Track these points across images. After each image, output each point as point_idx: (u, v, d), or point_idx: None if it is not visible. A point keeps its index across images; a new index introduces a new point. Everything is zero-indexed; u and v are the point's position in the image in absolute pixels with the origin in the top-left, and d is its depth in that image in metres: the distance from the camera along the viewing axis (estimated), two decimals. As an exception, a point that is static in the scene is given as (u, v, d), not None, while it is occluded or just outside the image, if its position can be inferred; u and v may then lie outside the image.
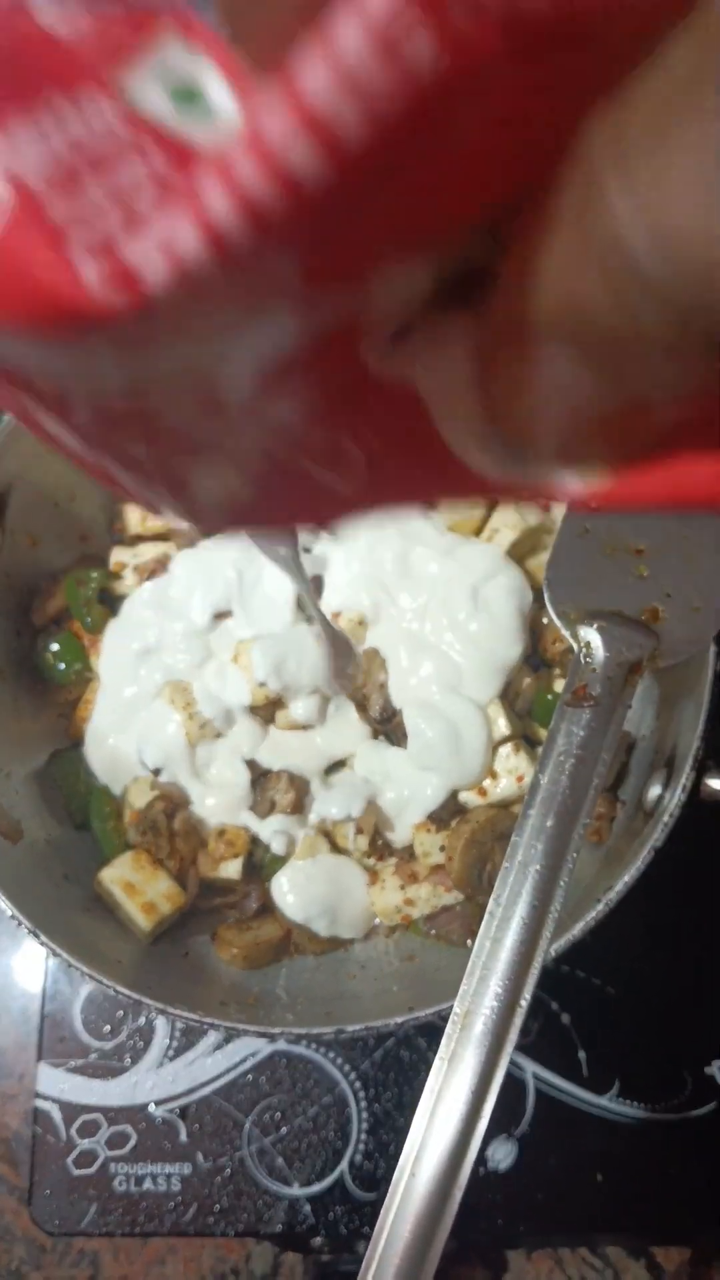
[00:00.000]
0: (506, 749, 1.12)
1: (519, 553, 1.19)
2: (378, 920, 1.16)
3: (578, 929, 0.94)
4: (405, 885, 1.13)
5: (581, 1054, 1.26)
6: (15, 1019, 1.47)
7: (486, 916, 0.92)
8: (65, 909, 1.09)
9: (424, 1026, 1.09)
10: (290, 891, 1.13)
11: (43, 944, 0.98)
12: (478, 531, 1.22)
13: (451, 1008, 0.92)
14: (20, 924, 0.99)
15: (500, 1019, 0.88)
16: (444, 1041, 0.89)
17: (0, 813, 1.09)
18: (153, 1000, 0.95)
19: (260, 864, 1.16)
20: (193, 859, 1.14)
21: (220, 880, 1.14)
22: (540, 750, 1.14)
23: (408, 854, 1.15)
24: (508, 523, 1.18)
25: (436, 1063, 0.88)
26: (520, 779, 1.11)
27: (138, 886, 1.11)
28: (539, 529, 1.18)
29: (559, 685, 1.17)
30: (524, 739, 1.14)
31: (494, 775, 1.12)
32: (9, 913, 0.99)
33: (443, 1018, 0.92)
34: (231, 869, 1.13)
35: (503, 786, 1.12)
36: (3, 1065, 1.46)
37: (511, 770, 1.12)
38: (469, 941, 1.12)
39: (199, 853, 1.14)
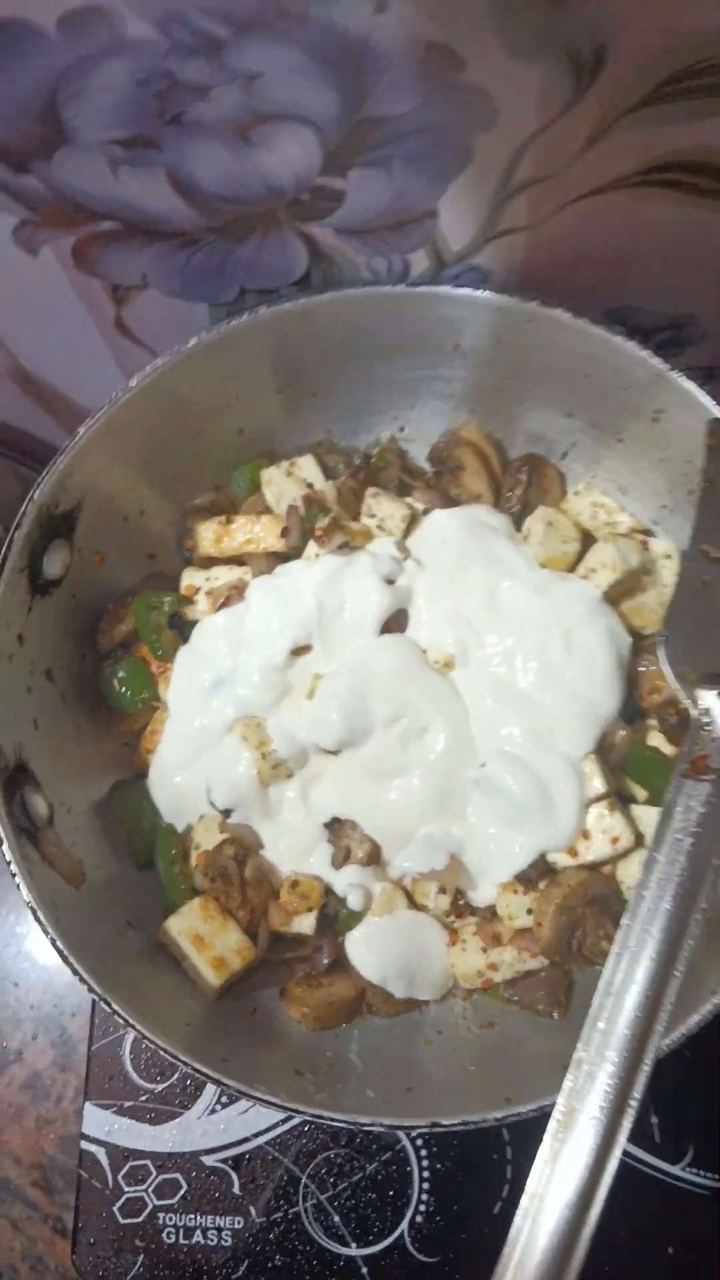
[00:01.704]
0: (600, 808, 1.05)
1: (615, 594, 1.12)
2: (454, 982, 1.09)
3: (694, 1022, 0.88)
4: (488, 948, 1.06)
5: (654, 1119, 1.20)
6: (54, 1038, 1.42)
7: (594, 1005, 0.85)
8: (127, 961, 1.03)
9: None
10: (367, 950, 1.07)
11: (102, 1002, 0.92)
12: (572, 568, 1.15)
13: (550, 1105, 0.86)
14: (81, 980, 0.93)
15: (608, 1121, 0.82)
16: (546, 1140, 0.83)
17: (61, 852, 1.03)
18: (230, 1080, 0.88)
19: (333, 916, 1.10)
20: (264, 910, 1.08)
21: (293, 935, 1.08)
22: (632, 809, 1.09)
23: (490, 914, 1.08)
24: (606, 561, 1.11)
25: (537, 1165, 0.82)
26: (615, 841, 1.05)
27: (206, 939, 1.05)
28: (639, 570, 1.11)
29: (654, 738, 1.10)
30: (618, 796, 1.08)
31: (586, 835, 1.05)
32: (70, 967, 0.93)
33: (543, 1112, 0.86)
34: (305, 924, 1.07)
35: (596, 847, 1.05)
36: (41, 1088, 1.40)
37: (606, 831, 1.05)
38: (554, 1013, 1.05)
39: (270, 903, 1.08)
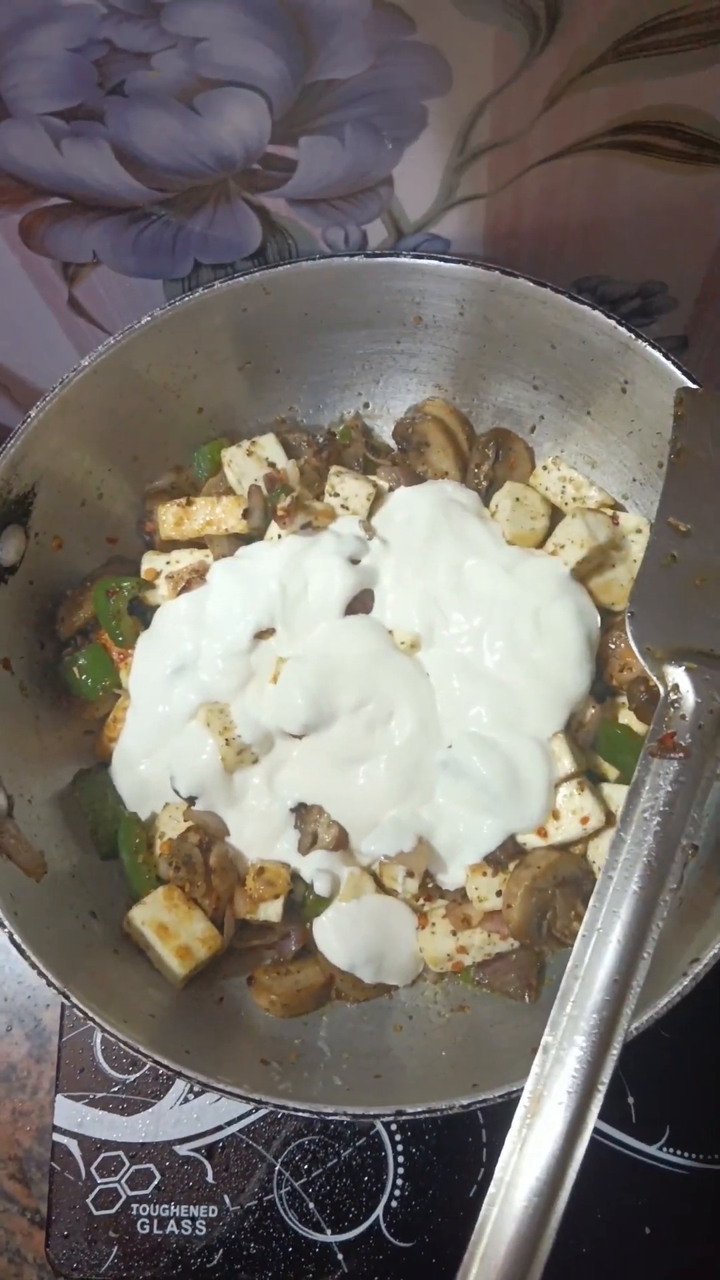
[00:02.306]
0: (569, 788, 1.04)
1: (584, 570, 1.10)
2: (424, 966, 1.08)
3: (662, 1005, 0.86)
4: (457, 931, 1.05)
5: (630, 1100, 1.19)
6: (29, 1030, 1.40)
7: (562, 988, 0.84)
8: (90, 952, 1.01)
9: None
10: (335, 936, 1.05)
11: (62, 996, 0.90)
12: (540, 544, 1.13)
13: (516, 1091, 0.85)
14: (40, 974, 0.91)
15: (577, 1106, 0.81)
16: (514, 1126, 0.81)
17: (21, 844, 1.01)
18: (192, 1071, 0.86)
19: (300, 902, 1.08)
20: (230, 897, 1.06)
21: (259, 922, 1.06)
22: (602, 788, 1.07)
23: (460, 896, 1.07)
24: (574, 537, 1.08)
25: (505, 1152, 0.80)
26: (585, 820, 1.03)
27: (171, 928, 1.03)
28: (608, 545, 1.09)
29: (624, 715, 1.09)
30: (588, 776, 1.06)
31: (556, 815, 1.04)
32: (29, 962, 0.91)
33: (511, 1098, 0.85)
34: (272, 910, 1.05)
35: (565, 828, 1.03)
36: (15, 1080, 1.39)
37: (575, 811, 1.03)
38: (526, 995, 1.04)
39: (236, 891, 1.06)
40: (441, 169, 0.94)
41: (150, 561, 1.14)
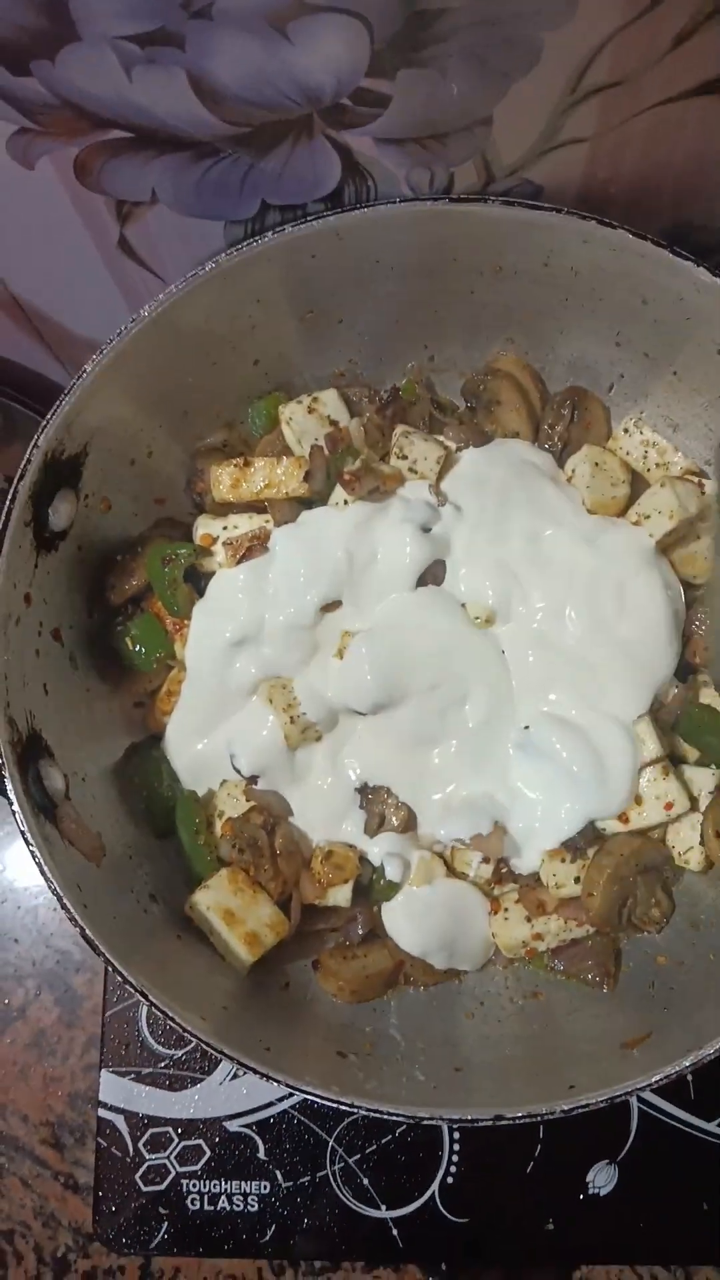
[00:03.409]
0: (653, 772, 1.00)
1: (667, 542, 1.04)
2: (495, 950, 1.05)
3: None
4: (532, 917, 1.01)
5: (689, 1077, 1.17)
6: (59, 995, 1.37)
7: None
8: (154, 938, 0.97)
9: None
10: (406, 922, 1.01)
11: (142, 996, 0.86)
12: (621, 512, 1.07)
13: (622, 1095, 0.82)
14: (107, 963, 0.87)
15: None
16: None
17: (81, 828, 0.95)
18: (280, 1075, 0.84)
19: (368, 885, 1.04)
20: (296, 880, 1.02)
21: (327, 907, 1.02)
22: (683, 770, 1.03)
23: (533, 881, 1.03)
24: (661, 507, 1.03)
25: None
26: (669, 806, 0.99)
27: (237, 914, 0.99)
28: (695, 517, 1.03)
29: (707, 695, 1.04)
30: (670, 759, 1.02)
31: (638, 800, 1.00)
32: (104, 959, 0.86)
33: (612, 1103, 0.82)
34: (340, 895, 1.01)
35: (648, 813, 1.00)
36: (46, 1045, 1.37)
37: (660, 796, 0.99)
38: (604, 984, 1.01)
39: (302, 874, 1.02)
40: (548, 109, 0.85)
41: (205, 526, 1.07)
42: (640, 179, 0.95)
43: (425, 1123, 0.83)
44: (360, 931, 1.03)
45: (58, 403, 0.92)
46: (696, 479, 1.06)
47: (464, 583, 1.03)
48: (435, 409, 1.11)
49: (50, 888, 0.86)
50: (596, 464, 1.06)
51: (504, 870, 1.03)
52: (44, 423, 0.92)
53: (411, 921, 1.01)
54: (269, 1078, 0.83)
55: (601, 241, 0.94)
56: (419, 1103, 0.84)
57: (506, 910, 1.03)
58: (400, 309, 1.07)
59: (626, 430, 1.09)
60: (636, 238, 0.92)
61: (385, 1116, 0.82)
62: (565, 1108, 0.82)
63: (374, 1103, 0.83)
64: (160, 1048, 1.19)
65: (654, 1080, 0.81)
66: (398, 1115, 0.82)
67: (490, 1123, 0.82)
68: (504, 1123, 0.82)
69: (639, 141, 0.90)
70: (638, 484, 1.08)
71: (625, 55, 0.80)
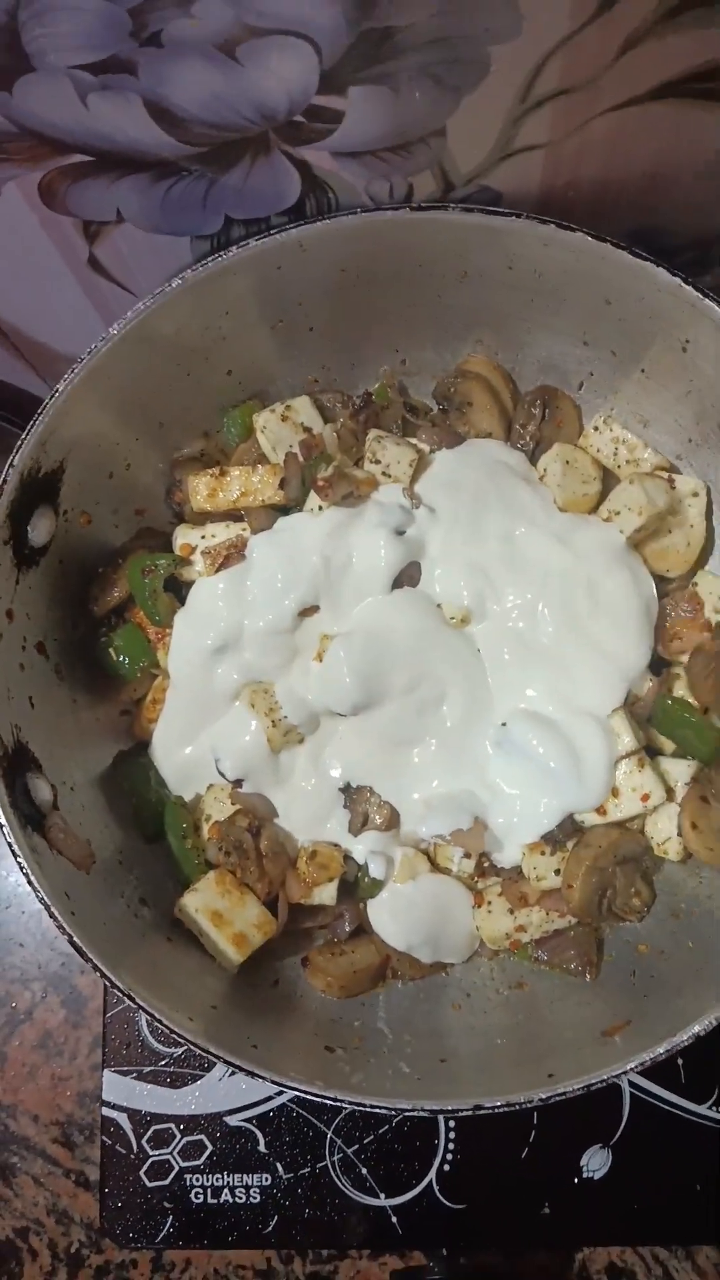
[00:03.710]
0: (629, 764, 1.01)
1: (639, 538, 1.06)
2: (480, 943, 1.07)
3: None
4: (515, 909, 1.03)
5: (680, 1061, 1.19)
6: (65, 996, 1.40)
7: None
8: (145, 942, 0.99)
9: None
10: (390, 918, 1.04)
11: (126, 998, 0.88)
12: (593, 509, 1.08)
13: (598, 1083, 0.84)
14: (95, 968, 0.89)
15: None
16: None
17: (69, 837, 0.98)
18: (265, 1071, 0.86)
19: (353, 882, 1.06)
20: (282, 880, 1.04)
21: (313, 906, 1.04)
22: (660, 762, 1.05)
23: (515, 874, 1.05)
24: (631, 504, 1.04)
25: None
26: (645, 798, 1.01)
27: (225, 915, 1.01)
28: (665, 511, 1.05)
29: (680, 688, 1.06)
30: (646, 751, 1.04)
31: (615, 793, 1.02)
32: (93, 965, 0.89)
33: (591, 1090, 0.84)
34: (326, 894, 1.03)
35: (625, 805, 1.01)
36: (54, 1046, 1.39)
37: (636, 788, 1.01)
38: (586, 974, 1.03)
39: (288, 874, 1.04)
40: (501, 119, 0.86)
41: (184, 536, 1.09)
42: (600, 183, 0.96)
43: (406, 1114, 0.85)
44: (347, 928, 1.05)
45: (32, 422, 0.94)
46: (666, 474, 1.07)
47: (439, 583, 1.05)
48: (408, 412, 1.12)
49: (38, 897, 0.88)
50: (568, 462, 1.07)
51: (486, 865, 1.05)
52: (19, 442, 0.93)
53: (396, 917, 1.03)
54: (255, 1075, 0.85)
55: (562, 244, 0.95)
56: (402, 1095, 0.86)
57: (490, 903, 1.05)
58: (370, 315, 1.08)
59: (597, 428, 1.10)
60: (596, 240, 0.93)
61: (368, 1109, 0.84)
62: (543, 1096, 0.84)
63: (358, 1096, 0.85)
64: (160, 1047, 1.21)
65: (629, 1067, 0.84)
66: (380, 1107, 0.85)
67: (470, 1112, 0.84)
68: (483, 1112, 0.84)
69: (595, 147, 0.91)
70: (609, 480, 1.09)
71: (574, 63, 0.81)
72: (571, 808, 1.01)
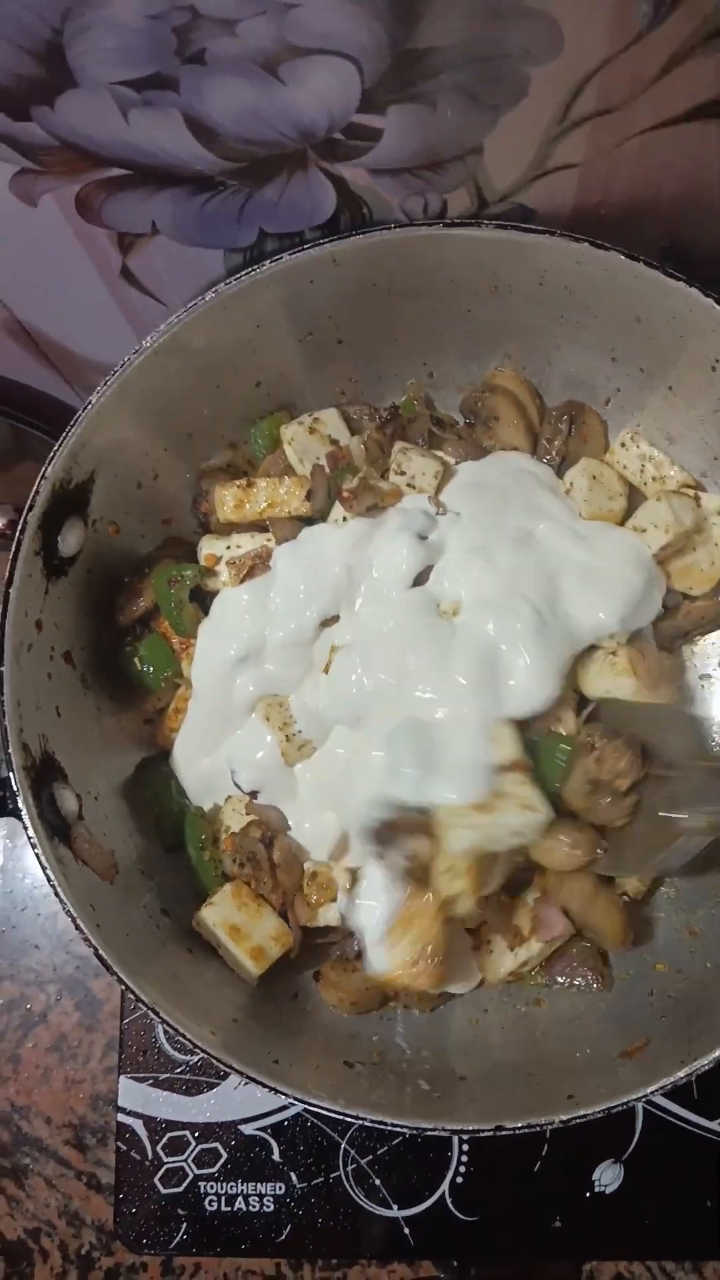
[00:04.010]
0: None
1: (664, 556, 1.06)
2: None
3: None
4: (514, 947, 1.03)
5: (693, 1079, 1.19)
6: (79, 1000, 1.41)
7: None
8: (165, 953, 0.99)
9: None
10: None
11: (153, 1013, 0.88)
12: (620, 525, 1.09)
13: (619, 1106, 0.85)
14: (120, 982, 0.89)
15: None
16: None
17: (94, 847, 0.98)
18: (287, 1088, 0.86)
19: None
20: (297, 890, 1.04)
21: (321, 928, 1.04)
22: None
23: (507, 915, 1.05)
24: (658, 521, 1.04)
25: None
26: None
27: (243, 929, 1.01)
28: (691, 529, 1.05)
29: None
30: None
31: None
32: (117, 978, 0.89)
33: (611, 1114, 0.84)
34: (330, 915, 1.03)
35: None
36: (68, 1049, 1.40)
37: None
38: (597, 983, 1.03)
39: (296, 896, 1.04)
40: (538, 139, 0.87)
41: (210, 546, 1.09)
42: (632, 202, 0.96)
43: (428, 1134, 0.85)
44: (357, 948, 1.04)
45: (64, 434, 0.94)
46: (693, 492, 1.07)
47: (447, 578, 1.04)
48: (435, 425, 1.12)
49: (65, 910, 0.89)
50: (594, 477, 1.07)
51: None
52: (51, 454, 0.94)
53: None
54: (276, 1090, 0.85)
55: (594, 262, 0.95)
56: (423, 1113, 0.86)
57: (490, 944, 1.04)
58: (398, 329, 1.08)
59: (624, 444, 1.10)
60: (629, 259, 0.93)
61: (388, 1128, 0.85)
62: (563, 1118, 0.84)
63: (378, 1114, 0.85)
64: (176, 1054, 1.21)
65: (648, 1092, 0.84)
66: (400, 1126, 0.85)
67: (491, 1133, 0.84)
68: (504, 1133, 0.84)
69: (629, 166, 0.91)
70: (635, 497, 1.09)
71: (613, 84, 0.81)
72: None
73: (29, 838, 0.89)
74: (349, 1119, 0.85)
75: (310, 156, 0.88)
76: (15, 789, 0.90)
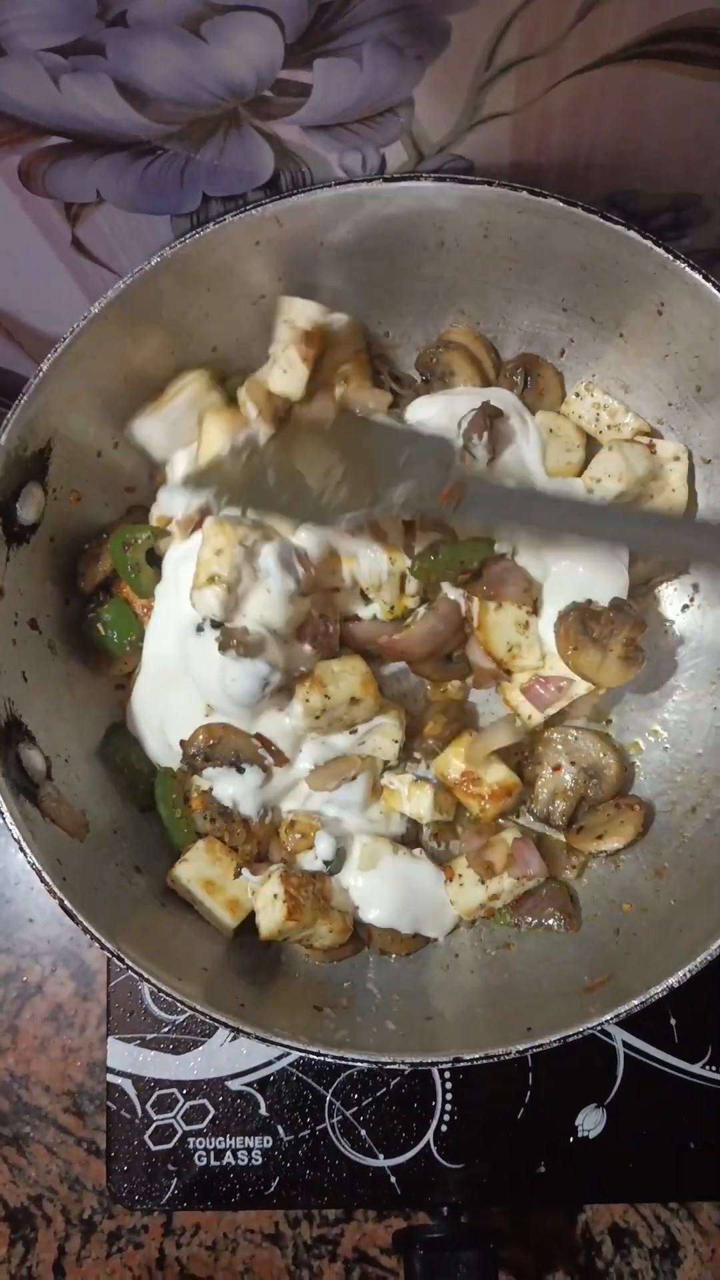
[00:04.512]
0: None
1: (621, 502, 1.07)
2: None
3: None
4: (485, 880, 1.04)
5: (673, 1021, 1.21)
6: (74, 970, 1.43)
7: None
8: (138, 908, 1.02)
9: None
10: (365, 905, 1.05)
11: (116, 959, 0.91)
12: (577, 475, 1.10)
13: (574, 1035, 0.86)
14: (92, 938, 0.91)
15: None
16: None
17: (62, 806, 1.00)
18: (249, 1027, 0.88)
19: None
20: (269, 841, 1.06)
21: (300, 873, 1.06)
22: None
23: (480, 844, 1.06)
24: (611, 471, 1.05)
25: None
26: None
27: (217, 882, 1.03)
28: (646, 477, 1.06)
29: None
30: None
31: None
32: (81, 926, 0.91)
33: (565, 1043, 0.86)
34: (309, 863, 1.05)
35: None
36: (64, 1019, 1.42)
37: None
38: (567, 925, 1.04)
39: (272, 842, 1.06)
40: (465, 87, 0.87)
41: (162, 508, 1.11)
42: (569, 149, 0.97)
43: (387, 1066, 0.87)
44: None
45: (16, 402, 0.96)
46: (648, 439, 1.08)
47: None
48: (393, 382, 1.14)
49: (29, 861, 0.91)
50: (551, 430, 1.09)
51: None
52: (4, 422, 0.96)
53: (368, 902, 1.05)
54: (241, 1031, 0.87)
55: (534, 210, 0.96)
56: (387, 1050, 0.88)
57: (460, 875, 1.06)
58: (351, 288, 1.10)
59: (578, 394, 1.11)
60: (567, 205, 0.94)
61: (350, 1062, 0.86)
62: (519, 1048, 0.86)
63: (342, 1051, 0.87)
64: (162, 1014, 1.23)
65: (604, 1019, 0.85)
66: (363, 1061, 0.87)
67: (449, 1064, 0.86)
68: (462, 1064, 0.86)
69: (562, 112, 0.92)
70: (592, 447, 1.11)
71: (534, 28, 0.82)
72: None
73: (-5, 796, 0.92)
74: (313, 1056, 0.88)
75: (243, 115, 0.89)
76: (-20, 748, 0.92)
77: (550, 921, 1.06)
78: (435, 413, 1.08)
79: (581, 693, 1.05)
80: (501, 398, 1.10)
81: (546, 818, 1.09)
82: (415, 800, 1.06)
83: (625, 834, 1.06)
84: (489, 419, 1.04)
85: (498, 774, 1.05)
